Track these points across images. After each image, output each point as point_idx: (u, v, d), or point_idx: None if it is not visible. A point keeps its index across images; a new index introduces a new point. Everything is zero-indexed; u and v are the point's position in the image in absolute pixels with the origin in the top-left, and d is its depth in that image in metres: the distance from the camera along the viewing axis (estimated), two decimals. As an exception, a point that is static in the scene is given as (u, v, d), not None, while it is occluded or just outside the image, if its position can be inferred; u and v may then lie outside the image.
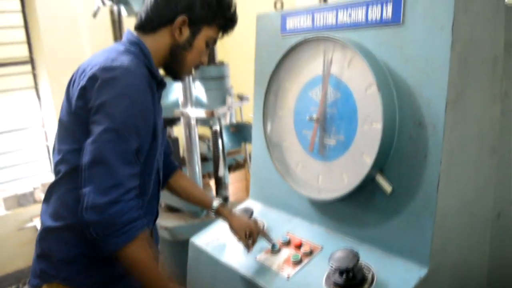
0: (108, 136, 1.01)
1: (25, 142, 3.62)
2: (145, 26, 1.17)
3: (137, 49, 1.15)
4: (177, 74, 1.26)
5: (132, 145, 1.04)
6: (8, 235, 3.25)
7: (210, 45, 1.25)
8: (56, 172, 1.17)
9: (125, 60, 1.07)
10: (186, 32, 1.17)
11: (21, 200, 3.36)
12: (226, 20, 1.22)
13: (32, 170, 3.68)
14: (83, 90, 1.05)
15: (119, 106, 1.02)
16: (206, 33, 1.20)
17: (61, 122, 1.16)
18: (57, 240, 1.15)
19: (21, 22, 3.39)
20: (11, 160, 3.47)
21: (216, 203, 1.43)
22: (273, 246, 1.35)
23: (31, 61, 3.48)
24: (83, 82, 1.05)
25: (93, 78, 1.04)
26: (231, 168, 3.27)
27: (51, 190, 1.19)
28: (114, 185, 1.00)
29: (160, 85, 1.22)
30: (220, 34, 1.27)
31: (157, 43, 1.18)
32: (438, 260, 1.10)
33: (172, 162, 1.52)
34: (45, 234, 1.19)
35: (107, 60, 1.06)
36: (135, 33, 1.19)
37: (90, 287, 1.16)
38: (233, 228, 1.38)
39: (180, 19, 1.15)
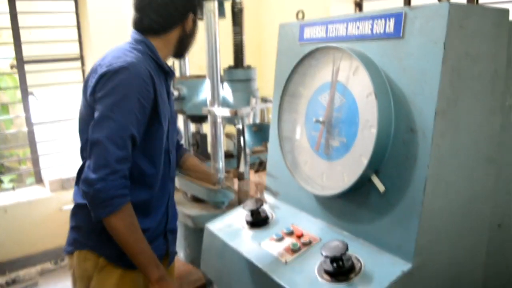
0: (104, 123, 1.19)
1: (71, 131, 3.93)
2: (157, 30, 1.35)
3: (143, 46, 1.33)
4: (182, 55, 1.51)
5: (128, 131, 1.20)
6: (51, 215, 3.55)
7: None
8: (82, 158, 1.37)
9: (128, 57, 1.25)
10: (191, 23, 1.39)
11: (65, 184, 3.67)
12: None
13: (76, 157, 3.97)
14: (95, 86, 1.24)
15: (116, 96, 1.20)
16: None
17: (80, 114, 1.36)
18: (85, 215, 1.33)
19: (74, 22, 3.70)
20: (57, 147, 3.78)
21: (221, 175, 1.58)
22: (278, 234, 1.47)
23: (81, 58, 3.79)
24: (94, 80, 1.24)
25: (101, 76, 1.23)
26: (261, 166, 3.39)
27: (79, 174, 1.39)
28: (103, 165, 1.17)
29: (168, 75, 1.42)
30: None
31: (169, 40, 1.38)
32: (424, 258, 1.17)
33: (181, 145, 1.73)
34: (76, 210, 1.39)
35: (113, 58, 1.26)
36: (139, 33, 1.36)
37: (114, 255, 1.34)
38: (240, 194, 1.53)
39: (190, 18, 1.37)
